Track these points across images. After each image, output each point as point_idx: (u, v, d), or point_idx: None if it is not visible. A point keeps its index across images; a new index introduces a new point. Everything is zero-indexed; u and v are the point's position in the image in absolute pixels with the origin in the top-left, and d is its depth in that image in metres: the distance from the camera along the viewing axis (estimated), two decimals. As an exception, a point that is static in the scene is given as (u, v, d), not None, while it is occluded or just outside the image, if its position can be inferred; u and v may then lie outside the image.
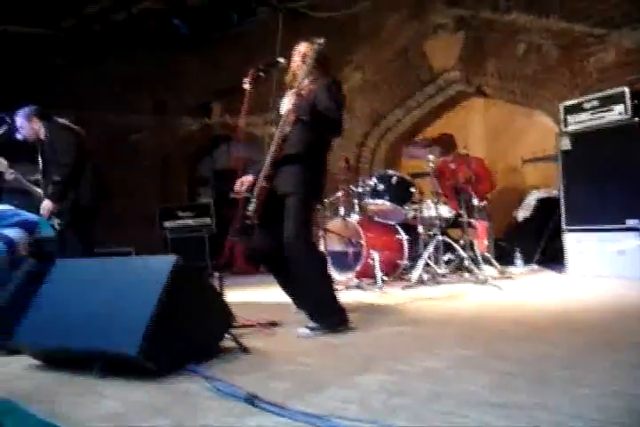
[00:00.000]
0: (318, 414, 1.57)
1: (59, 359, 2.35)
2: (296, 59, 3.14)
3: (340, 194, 4.82)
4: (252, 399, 1.73)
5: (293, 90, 2.92)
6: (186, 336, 2.25)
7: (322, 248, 4.47)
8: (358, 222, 4.56)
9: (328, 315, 2.83)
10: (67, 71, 7.94)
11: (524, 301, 3.59)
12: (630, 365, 1.95)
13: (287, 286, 3.34)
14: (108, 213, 4.63)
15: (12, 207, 1.69)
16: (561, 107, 4.52)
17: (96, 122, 7.93)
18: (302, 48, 3.12)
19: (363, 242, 4.40)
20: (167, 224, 7.18)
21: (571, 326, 2.69)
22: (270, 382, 1.94)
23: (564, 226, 4.46)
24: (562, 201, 4.52)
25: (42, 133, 4.14)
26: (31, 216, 1.66)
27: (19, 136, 4.21)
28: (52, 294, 2.43)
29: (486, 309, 3.38)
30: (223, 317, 2.49)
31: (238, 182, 3.21)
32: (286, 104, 3.04)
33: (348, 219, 4.56)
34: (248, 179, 3.19)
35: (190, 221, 7.08)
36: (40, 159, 4.21)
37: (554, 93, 5.10)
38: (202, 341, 2.37)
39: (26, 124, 4.12)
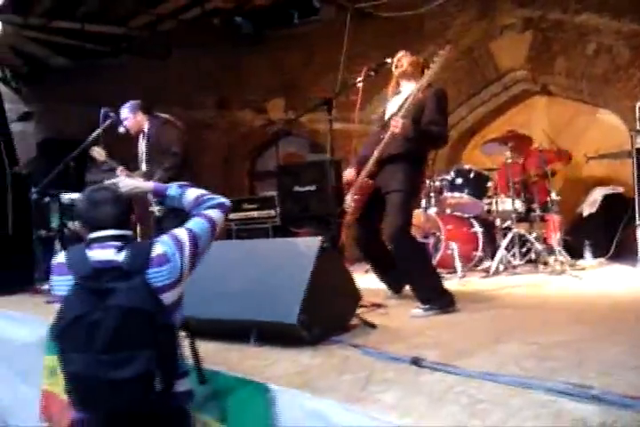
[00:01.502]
0: (484, 371, 1.82)
1: (210, 332, 2.62)
2: (401, 64, 3.36)
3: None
4: (417, 361, 1.98)
5: (402, 113, 3.09)
6: (329, 310, 2.51)
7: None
8: (437, 215, 4.78)
9: (438, 296, 3.07)
10: (132, 67, 8.29)
11: (608, 290, 3.76)
12: None
13: (385, 274, 3.61)
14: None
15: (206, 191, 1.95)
16: (637, 106, 4.68)
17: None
18: (407, 58, 3.34)
19: (442, 234, 4.63)
20: (232, 216, 7.46)
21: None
22: (417, 351, 2.18)
23: (638, 221, 4.62)
24: (636, 197, 4.67)
25: (145, 126, 4.43)
26: (224, 200, 1.91)
27: (121, 129, 4.52)
28: (203, 272, 2.71)
29: (574, 295, 3.59)
30: (353, 295, 2.75)
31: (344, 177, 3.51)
32: (393, 109, 3.29)
33: (428, 212, 4.79)
34: (350, 174, 3.47)
35: (255, 213, 7.37)
36: (143, 151, 4.51)
37: (624, 93, 5.24)
38: (339, 315, 2.64)
39: (131, 117, 4.41)
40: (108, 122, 4.49)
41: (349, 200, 3.40)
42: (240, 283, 2.55)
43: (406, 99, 3.16)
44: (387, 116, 3.36)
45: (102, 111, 4.50)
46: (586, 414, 1.41)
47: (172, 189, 1.92)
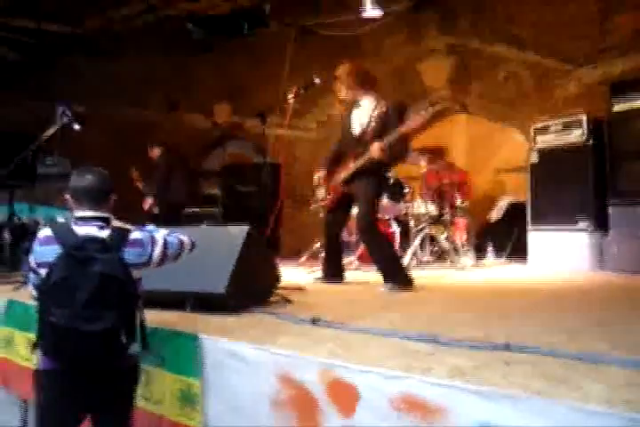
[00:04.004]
0: (362, 327, 2.42)
1: (155, 301, 3.12)
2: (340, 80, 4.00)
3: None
4: (316, 320, 2.57)
5: (386, 140, 3.71)
6: (252, 286, 3.07)
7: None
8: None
9: (399, 278, 3.77)
10: (84, 67, 8.61)
11: (496, 281, 4.51)
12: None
13: (330, 261, 4.30)
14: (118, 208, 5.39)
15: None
16: (532, 128, 5.46)
17: (111, 117, 8.66)
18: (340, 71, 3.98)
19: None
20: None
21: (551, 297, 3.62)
22: (320, 315, 2.76)
23: (529, 226, 5.40)
24: (528, 206, 5.45)
25: None
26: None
27: (76, 127, 4.89)
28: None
29: (463, 284, 4.32)
30: (274, 276, 3.32)
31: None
32: (360, 122, 3.94)
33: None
34: (322, 174, 4.21)
35: (198, 210, 7.84)
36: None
37: (527, 116, 6.03)
38: (261, 291, 3.20)
39: None
40: (65, 119, 4.87)
41: (321, 196, 4.17)
42: (183, 261, 3.07)
43: (373, 117, 3.82)
44: (354, 127, 4.00)
45: (59, 108, 4.83)
46: (423, 348, 2.03)
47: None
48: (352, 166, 3.92)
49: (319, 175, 4.20)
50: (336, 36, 7.32)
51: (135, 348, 2.08)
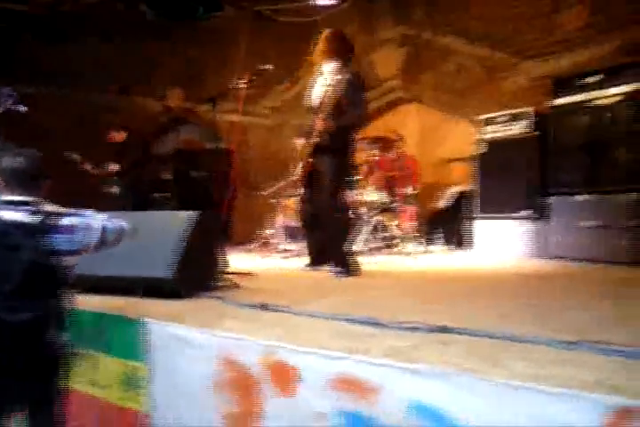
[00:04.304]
0: (314, 311, 2.48)
1: (101, 286, 3.10)
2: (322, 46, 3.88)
3: (293, 177, 5.75)
4: (264, 305, 2.60)
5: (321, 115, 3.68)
6: (200, 271, 3.09)
7: (280, 221, 5.39)
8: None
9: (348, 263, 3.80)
10: (34, 48, 8.31)
11: (442, 267, 4.67)
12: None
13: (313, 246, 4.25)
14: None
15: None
16: (481, 119, 5.60)
17: (61, 99, 8.39)
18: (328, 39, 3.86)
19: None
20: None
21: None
22: (268, 300, 2.80)
23: (475, 214, 5.56)
24: (475, 194, 5.61)
25: None
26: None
27: (22, 108, 4.76)
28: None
29: (406, 270, 4.49)
30: (220, 262, 3.34)
31: None
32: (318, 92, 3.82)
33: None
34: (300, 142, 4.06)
35: (150, 195, 7.73)
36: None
37: (476, 107, 6.17)
38: (209, 276, 3.21)
39: None
40: (10, 100, 4.74)
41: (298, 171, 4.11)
42: (129, 247, 3.04)
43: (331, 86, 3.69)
44: (313, 98, 3.88)
45: (3, 90, 4.72)
46: (364, 331, 2.10)
47: None
48: (311, 142, 3.82)
49: (299, 142, 4.04)
50: (291, 23, 7.29)
51: (65, 336, 2.01)
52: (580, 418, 1.38)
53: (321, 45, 3.86)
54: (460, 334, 2.00)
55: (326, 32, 3.89)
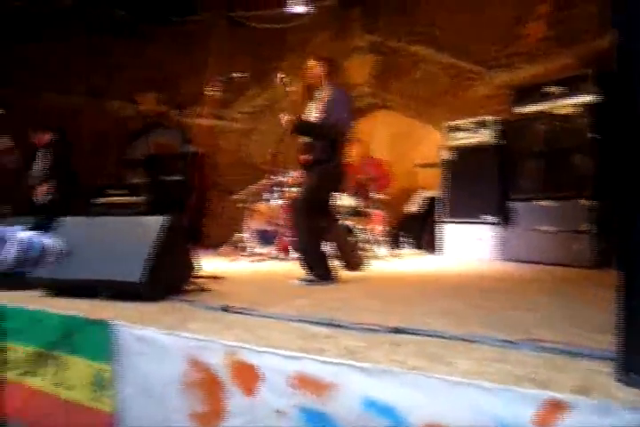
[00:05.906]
0: (275, 313, 2.58)
1: (69, 289, 3.16)
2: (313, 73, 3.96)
3: (265, 182, 5.85)
4: (226, 308, 2.70)
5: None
6: (168, 275, 3.16)
7: (249, 226, 5.48)
8: (280, 206, 5.57)
9: (322, 270, 3.85)
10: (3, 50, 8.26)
11: (407, 271, 4.80)
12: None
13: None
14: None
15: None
16: (445, 126, 5.78)
17: (35, 102, 8.35)
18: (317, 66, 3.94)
19: (281, 222, 5.43)
20: (99, 201, 7.75)
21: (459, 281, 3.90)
22: (233, 303, 2.90)
23: (441, 219, 5.73)
24: (441, 199, 5.78)
25: None
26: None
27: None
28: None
29: (373, 273, 4.59)
30: (190, 266, 3.42)
31: None
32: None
33: (271, 203, 5.57)
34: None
35: (121, 199, 7.74)
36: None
37: (442, 114, 6.35)
38: (177, 280, 3.29)
39: None
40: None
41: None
42: (97, 251, 3.12)
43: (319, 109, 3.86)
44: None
45: None
46: (321, 332, 2.21)
47: None
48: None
49: (287, 117, 3.88)
50: (264, 29, 7.40)
51: None
52: (512, 410, 1.51)
53: (317, 68, 3.94)
54: (411, 334, 2.13)
55: (322, 57, 4.03)
